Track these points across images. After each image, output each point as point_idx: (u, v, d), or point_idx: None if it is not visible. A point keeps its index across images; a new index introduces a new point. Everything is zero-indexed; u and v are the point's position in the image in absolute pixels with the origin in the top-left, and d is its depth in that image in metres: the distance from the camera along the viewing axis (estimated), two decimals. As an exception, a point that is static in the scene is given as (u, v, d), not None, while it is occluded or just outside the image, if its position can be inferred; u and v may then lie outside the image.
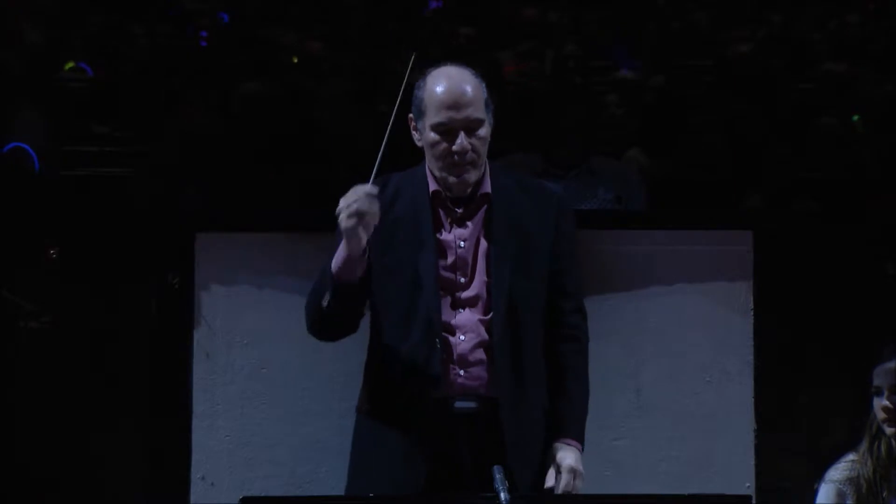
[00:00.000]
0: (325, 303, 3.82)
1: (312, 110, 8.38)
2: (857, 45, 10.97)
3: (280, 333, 4.42)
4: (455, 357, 3.87)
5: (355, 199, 3.68)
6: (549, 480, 3.83)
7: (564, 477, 3.80)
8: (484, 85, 3.94)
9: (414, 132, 3.97)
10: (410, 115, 3.97)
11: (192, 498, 4.41)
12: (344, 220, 3.70)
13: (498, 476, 3.34)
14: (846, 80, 9.67)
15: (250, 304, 4.45)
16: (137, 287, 5.17)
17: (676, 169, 7.90)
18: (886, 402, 4.14)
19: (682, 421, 4.49)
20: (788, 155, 8.41)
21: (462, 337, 3.88)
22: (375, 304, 3.97)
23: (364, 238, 3.72)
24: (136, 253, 5.27)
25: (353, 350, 4.29)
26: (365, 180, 3.79)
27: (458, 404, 3.86)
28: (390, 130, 3.81)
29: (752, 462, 4.50)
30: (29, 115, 8.14)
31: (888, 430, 4.15)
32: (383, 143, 3.79)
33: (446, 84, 3.90)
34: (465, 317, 3.89)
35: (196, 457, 4.44)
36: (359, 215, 3.68)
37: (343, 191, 3.77)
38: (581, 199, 5.75)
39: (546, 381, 3.96)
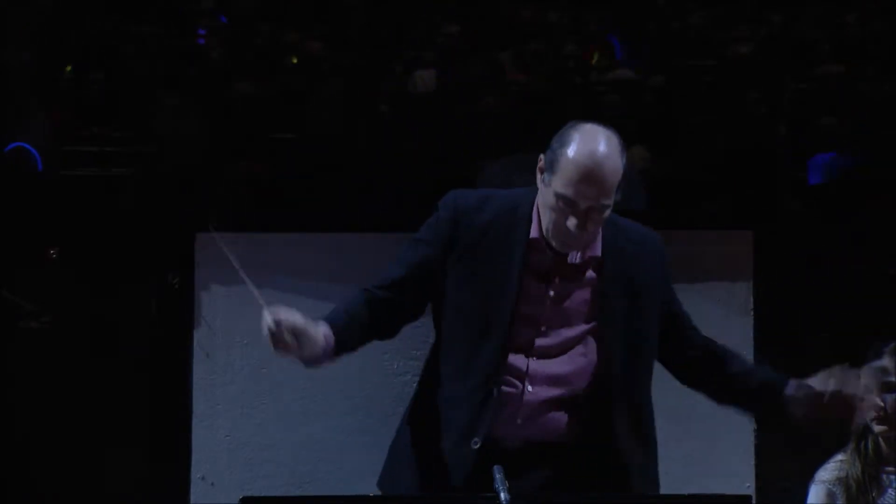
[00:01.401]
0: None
1: (311, 110, 8.38)
2: (856, 45, 10.97)
3: (280, 333, 4.42)
4: (521, 405, 3.73)
5: (268, 336, 3.53)
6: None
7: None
8: (625, 159, 3.67)
9: (539, 173, 3.72)
10: (541, 156, 3.72)
11: (192, 498, 4.42)
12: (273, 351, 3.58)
13: (498, 476, 3.33)
14: (846, 80, 9.68)
15: (250, 304, 4.45)
16: (137, 287, 5.17)
17: (676, 169, 7.91)
18: (876, 401, 4.13)
19: (682, 421, 4.49)
20: (788, 155, 8.42)
21: (531, 387, 3.74)
22: (445, 332, 3.81)
23: (305, 351, 3.57)
24: (136, 253, 5.27)
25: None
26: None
27: (509, 443, 3.73)
28: None
29: (752, 462, 4.50)
30: (31, 115, 8.14)
31: (876, 429, 4.15)
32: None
33: (586, 160, 3.61)
34: (538, 365, 3.74)
35: (196, 457, 4.44)
36: (275, 345, 3.55)
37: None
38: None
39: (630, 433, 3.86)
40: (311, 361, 3.63)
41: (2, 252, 5.60)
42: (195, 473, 4.44)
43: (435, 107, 8.96)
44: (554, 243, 3.70)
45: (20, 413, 5.41)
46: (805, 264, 5.42)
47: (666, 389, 4.49)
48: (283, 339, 3.52)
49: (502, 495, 3.27)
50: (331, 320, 3.68)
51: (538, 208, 3.75)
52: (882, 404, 4.13)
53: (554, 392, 3.75)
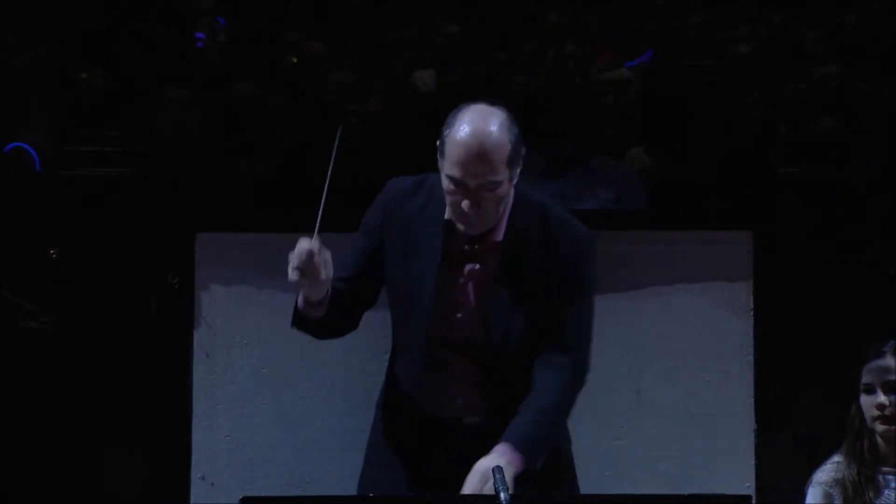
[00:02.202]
0: (292, 326, 3.79)
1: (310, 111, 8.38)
2: (856, 45, 10.97)
3: (280, 333, 4.42)
4: (452, 386, 3.81)
5: (297, 257, 3.56)
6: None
7: (473, 479, 3.56)
8: (513, 135, 3.67)
9: (440, 159, 3.74)
10: (438, 142, 3.75)
11: (192, 498, 4.42)
12: (289, 275, 3.59)
13: (498, 476, 3.34)
14: (846, 81, 9.68)
15: (250, 304, 4.45)
16: (137, 287, 5.17)
17: (676, 169, 7.91)
18: (882, 400, 4.13)
19: (682, 421, 4.50)
20: (788, 155, 8.42)
21: (458, 370, 3.80)
22: (391, 313, 3.90)
23: (314, 289, 3.62)
24: (136, 253, 5.27)
25: (353, 350, 4.30)
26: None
27: (467, 419, 3.80)
28: (328, 185, 3.66)
29: (752, 462, 4.50)
30: (29, 115, 8.14)
31: (879, 428, 4.14)
32: (323, 196, 3.66)
33: (468, 138, 3.63)
34: (461, 351, 3.80)
35: (196, 457, 4.44)
36: (300, 272, 3.57)
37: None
38: (581, 199, 5.75)
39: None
40: (315, 296, 3.65)
41: (2, 252, 5.60)
42: (195, 473, 4.44)
43: (435, 107, 8.95)
44: (458, 226, 3.74)
45: (20, 413, 5.41)
46: (805, 264, 5.42)
47: (665, 389, 4.50)
48: (315, 262, 3.54)
49: (502, 495, 3.27)
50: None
51: None
52: (887, 403, 4.12)
53: (480, 374, 3.79)
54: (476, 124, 3.65)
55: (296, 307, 3.74)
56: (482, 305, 3.78)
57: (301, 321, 3.75)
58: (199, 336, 4.45)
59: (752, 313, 4.54)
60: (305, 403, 4.45)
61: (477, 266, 3.79)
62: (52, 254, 5.57)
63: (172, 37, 11.02)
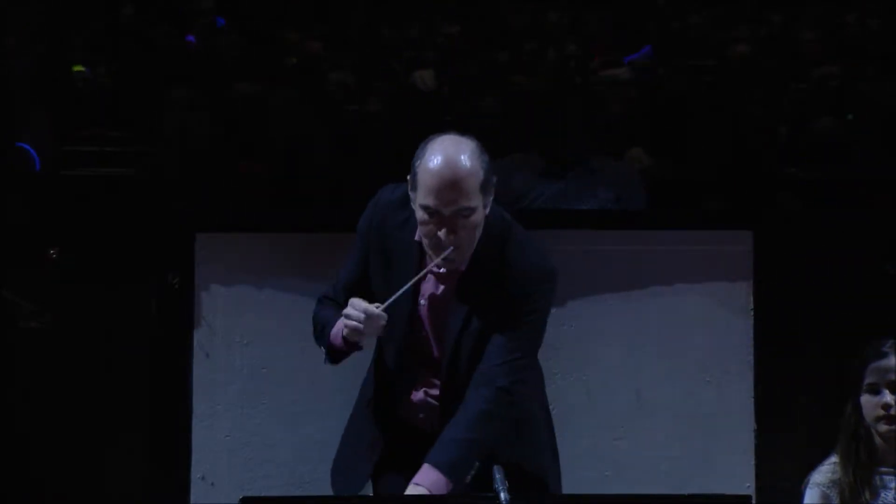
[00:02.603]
0: (323, 351, 3.92)
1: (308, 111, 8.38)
2: (856, 45, 10.97)
3: (280, 333, 4.43)
4: (415, 398, 3.93)
5: (359, 320, 3.67)
6: None
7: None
8: (484, 163, 3.71)
9: (411, 193, 3.79)
10: (409, 176, 3.80)
11: (192, 498, 4.42)
12: (346, 328, 3.71)
13: (498, 476, 3.34)
14: (845, 81, 9.68)
15: (250, 304, 4.46)
16: (137, 287, 5.16)
17: (676, 169, 7.90)
18: (888, 399, 4.12)
19: (682, 421, 4.50)
20: (788, 155, 8.42)
21: (420, 383, 3.91)
22: None
23: (362, 344, 3.77)
24: (136, 253, 5.27)
25: (353, 350, 4.29)
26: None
27: (425, 427, 3.92)
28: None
29: (752, 462, 4.50)
30: (31, 115, 8.14)
31: (882, 429, 4.14)
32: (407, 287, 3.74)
33: (440, 167, 3.67)
34: (422, 365, 3.90)
35: (196, 457, 4.44)
36: (358, 332, 3.69)
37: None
38: (581, 199, 5.75)
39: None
40: (352, 342, 3.79)
41: (2, 252, 5.60)
42: (195, 473, 4.44)
43: (435, 107, 8.96)
44: (432, 256, 3.76)
45: (20, 413, 5.41)
46: (805, 264, 5.41)
47: (665, 389, 4.50)
48: (370, 331, 3.70)
49: (502, 495, 3.28)
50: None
51: None
52: (892, 403, 4.12)
53: (438, 390, 3.89)
54: (448, 153, 3.70)
55: (330, 346, 3.85)
56: (435, 327, 3.86)
57: (334, 353, 3.88)
58: (199, 336, 4.45)
59: (752, 313, 4.54)
60: (305, 403, 4.46)
61: (439, 288, 3.86)
62: (52, 254, 5.57)
63: (173, 37, 11.02)
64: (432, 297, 3.85)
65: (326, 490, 4.32)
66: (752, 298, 4.54)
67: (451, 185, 3.65)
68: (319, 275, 4.43)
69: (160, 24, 11.20)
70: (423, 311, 3.87)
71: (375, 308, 3.68)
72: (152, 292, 4.89)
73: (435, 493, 3.60)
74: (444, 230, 3.67)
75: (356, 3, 12.17)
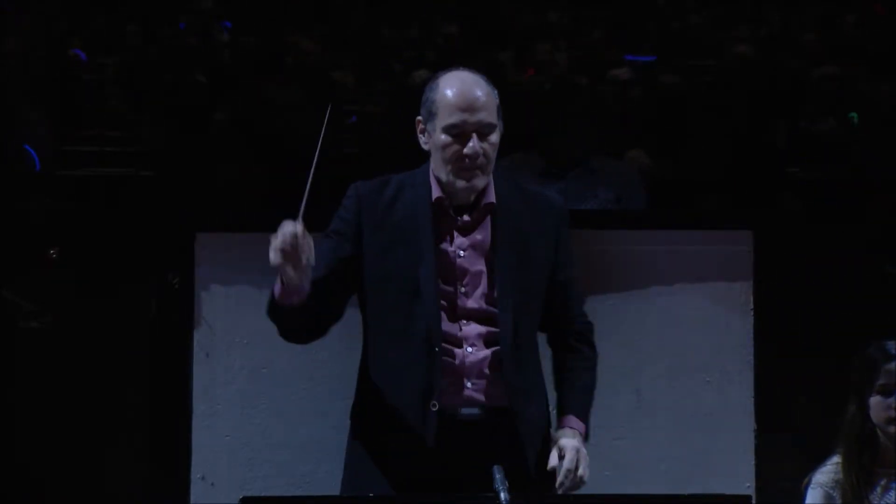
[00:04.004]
0: (266, 313, 3.79)
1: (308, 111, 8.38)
2: (856, 45, 10.97)
3: (280, 333, 4.42)
4: (463, 369, 3.80)
5: (281, 238, 3.58)
6: (553, 461, 3.76)
7: (569, 454, 3.72)
8: (496, 92, 3.89)
9: (421, 135, 3.89)
10: (419, 118, 3.89)
11: (192, 498, 4.42)
12: (271, 256, 3.60)
13: (498, 476, 3.34)
14: (845, 81, 9.68)
15: (250, 304, 4.45)
16: (137, 287, 5.17)
17: (677, 169, 7.91)
18: None
19: (682, 421, 4.49)
20: (788, 155, 8.42)
21: (469, 349, 3.81)
22: (371, 311, 3.90)
23: (295, 272, 3.62)
24: (136, 253, 5.27)
25: (353, 350, 4.28)
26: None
27: (465, 411, 3.81)
28: (314, 171, 3.69)
29: (752, 462, 4.50)
30: (30, 115, 8.14)
31: (891, 430, 4.13)
32: (308, 181, 3.68)
33: (460, 87, 3.85)
34: (470, 328, 3.83)
35: (196, 457, 4.44)
36: (283, 253, 3.58)
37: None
38: (581, 199, 5.75)
39: (543, 392, 3.95)
40: (293, 285, 3.66)
41: (2, 252, 5.60)
42: (195, 473, 4.44)
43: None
44: (458, 185, 3.81)
45: (20, 413, 5.41)
46: (805, 264, 5.42)
47: (665, 389, 4.50)
48: (301, 247, 3.57)
49: (502, 495, 3.27)
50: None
51: (433, 173, 3.88)
52: None
53: (490, 352, 3.82)
54: (464, 78, 3.89)
55: (272, 295, 3.74)
56: (485, 270, 3.84)
57: (275, 309, 3.76)
58: (199, 336, 4.45)
59: (752, 313, 4.54)
60: (305, 403, 4.45)
61: (470, 237, 3.86)
62: (52, 254, 5.57)
63: (174, 36, 11.03)
64: (469, 245, 3.85)
65: (326, 490, 4.32)
66: (752, 298, 4.53)
67: (474, 100, 3.81)
68: (319, 275, 4.43)
69: (161, 23, 11.21)
70: (468, 259, 3.84)
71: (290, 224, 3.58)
72: (152, 292, 4.88)
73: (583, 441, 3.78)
74: (469, 145, 3.77)
75: (356, 3, 12.17)
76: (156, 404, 4.88)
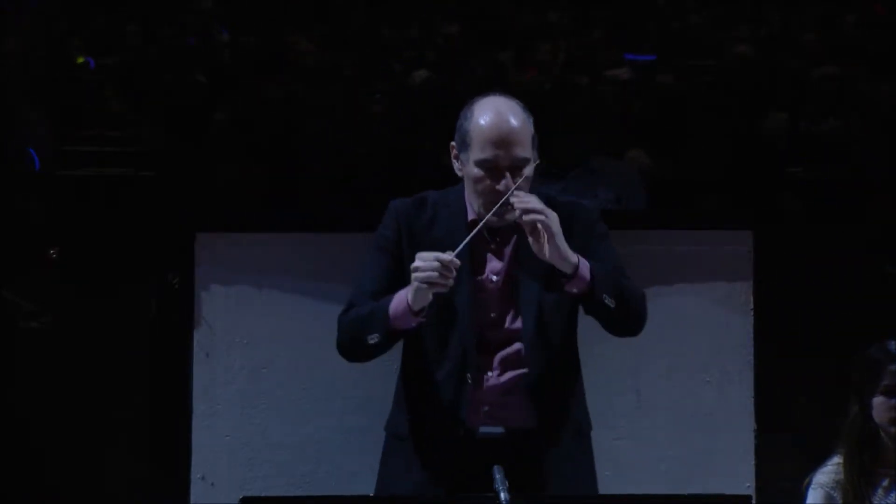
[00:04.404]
0: (372, 340, 3.76)
1: (308, 112, 8.39)
2: (856, 45, 10.97)
3: (280, 333, 4.42)
4: (484, 392, 3.81)
5: (433, 268, 3.59)
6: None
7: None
8: (531, 119, 3.83)
9: (455, 161, 3.85)
10: (452, 144, 3.85)
11: (192, 498, 4.41)
12: (417, 280, 3.63)
13: (498, 476, 3.33)
14: (846, 81, 9.68)
15: (250, 304, 4.45)
16: (137, 287, 5.17)
17: (676, 169, 7.91)
18: None
19: (682, 421, 4.49)
20: (788, 155, 8.42)
21: (490, 373, 3.82)
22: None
23: (430, 299, 3.66)
24: (136, 253, 5.27)
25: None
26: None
27: (484, 429, 3.81)
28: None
29: (752, 462, 4.49)
30: (30, 115, 8.14)
31: (893, 430, 4.13)
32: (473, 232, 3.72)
33: (494, 120, 3.76)
34: (496, 354, 3.82)
35: (196, 457, 4.44)
36: (429, 283, 3.61)
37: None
38: (581, 200, 5.74)
39: (578, 411, 3.93)
40: (421, 304, 3.68)
41: (2, 252, 5.61)
42: (195, 473, 4.44)
43: (435, 107, 8.96)
44: (490, 219, 3.77)
45: (20, 413, 5.41)
46: (805, 264, 5.42)
47: (665, 389, 4.50)
48: (443, 280, 3.61)
49: (502, 495, 3.27)
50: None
51: (467, 197, 3.86)
52: None
53: (511, 374, 3.82)
54: (499, 108, 3.79)
55: (390, 325, 3.72)
56: (515, 293, 3.82)
57: (389, 333, 3.74)
58: (199, 336, 4.45)
59: (752, 313, 4.54)
60: (305, 403, 4.45)
61: (503, 260, 3.85)
62: (52, 254, 5.57)
63: (173, 36, 11.03)
64: (497, 269, 3.83)
65: (326, 490, 4.33)
66: (752, 298, 4.53)
67: (508, 136, 3.74)
68: (320, 275, 4.43)
69: (161, 23, 11.20)
70: (497, 285, 3.83)
71: (447, 255, 3.62)
72: (152, 292, 4.89)
73: (581, 272, 3.67)
74: (501, 182, 3.72)
75: (356, 3, 12.16)
76: (156, 404, 4.88)
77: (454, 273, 3.62)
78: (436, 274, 3.61)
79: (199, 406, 4.44)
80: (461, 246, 3.67)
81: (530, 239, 3.68)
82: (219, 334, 4.46)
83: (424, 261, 3.63)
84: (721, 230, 4.58)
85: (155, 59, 10.30)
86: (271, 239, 4.46)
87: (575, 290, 3.73)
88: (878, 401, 4.16)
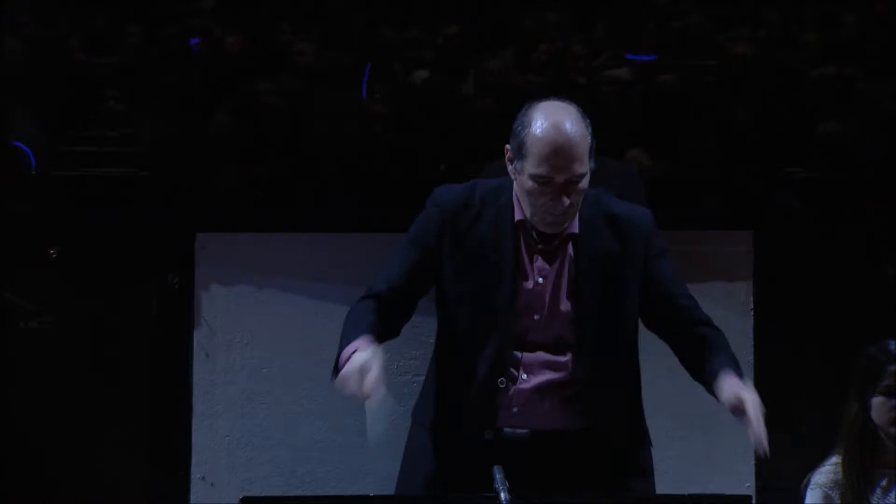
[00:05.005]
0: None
1: (308, 112, 8.39)
2: (855, 45, 10.97)
3: (280, 333, 4.42)
4: (513, 394, 3.76)
5: (355, 381, 3.50)
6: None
7: (751, 410, 3.59)
8: (589, 126, 3.70)
9: (508, 164, 3.74)
10: (507, 147, 3.74)
11: (192, 498, 4.42)
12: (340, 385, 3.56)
13: (498, 476, 3.33)
14: (845, 81, 9.67)
15: (250, 304, 4.45)
16: (137, 287, 5.17)
17: (676, 169, 7.90)
18: None
19: (682, 421, 4.49)
20: (788, 155, 8.42)
21: (525, 376, 3.77)
22: (444, 327, 3.84)
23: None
24: (136, 253, 5.27)
25: (353, 350, 4.28)
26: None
27: (508, 430, 3.76)
28: None
29: (752, 462, 4.49)
30: (29, 114, 8.14)
31: (893, 431, 4.13)
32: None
33: (553, 134, 3.63)
34: (533, 356, 3.77)
35: (196, 457, 4.44)
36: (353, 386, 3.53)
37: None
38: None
39: (625, 417, 3.89)
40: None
41: (2, 252, 5.60)
42: (195, 473, 4.44)
43: (434, 107, 8.96)
44: (540, 227, 3.72)
45: (20, 413, 5.41)
46: (805, 264, 5.41)
47: (665, 389, 4.50)
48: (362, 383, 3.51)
49: (502, 495, 3.27)
50: (366, 334, 3.65)
51: (517, 196, 3.76)
52: None
53: (545, 378, 3.77)
54: (557, 118, 3.66)
55: (337, 360, 3.65)
56: (561, 299, 3.76)
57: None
58: (199, 336, 4.45)
59: (752, 313, 4.54)
60: (305, 403, 4.45)
61: (551, 265, 3.77)
62: (52, 254, 5.56)
63: (174, 36, 11.01)
64: (548, 272, 3.75)
65: (326, 490, 4.33)
66: (752, 298, 4.53)
67: (566, 151, 3.61)
68: (320, 275, 4.43)
69: (161, 22, 11.19)
70: (541, 290, 3.75)
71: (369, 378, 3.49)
72: (152, 292, 4.89)
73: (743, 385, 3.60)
74: (556, 198, 3.63)
75: (356, 3, 12.16)
76: (156, 404, 4.88)
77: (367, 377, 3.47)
78: (354, 387, 3.50)
79: (199, 406, 4.45)
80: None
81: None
82: (219, 334, 4.46)
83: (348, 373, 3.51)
84: (721, 230, 4.58)
85: (155, 58, 10.29)
86: (271, 239, 4.46)
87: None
88: (877, 401, 4.16)
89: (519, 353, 3.76)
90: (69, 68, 9.95)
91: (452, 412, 3.82)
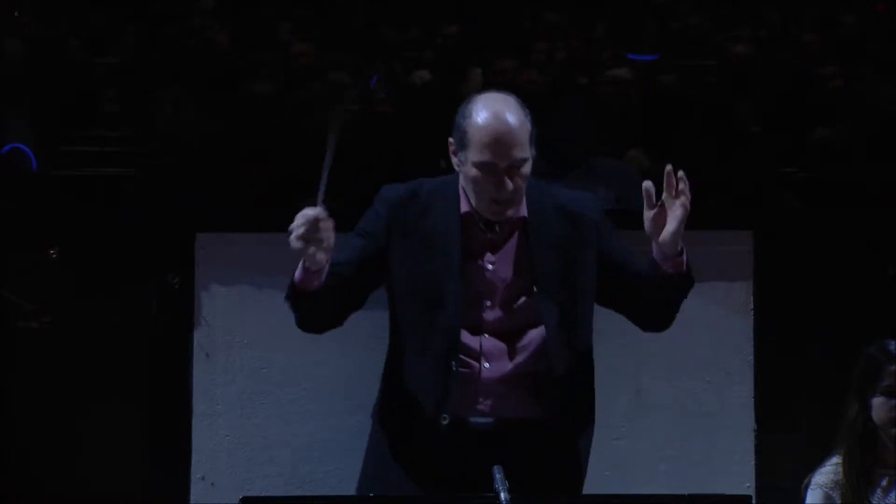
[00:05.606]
0: (287, 302, 3.77)
1: (307, 111, 8.39)
2: (855, 45, 10.97)
3: (280, 333, 4.42)
4: (479, 383, 3.80)
5: (301, 224, 3.55)
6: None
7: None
8: (529, 116, 3.81)
9: (453, 156, 3.84)
10: (451, 140, 3.84)
11: (192, 498, 4.42)
12: (292, 242, 3.58)
13: (498, 476, 3.33)
14: (845, 81, 9.68)
15: (250, 304, 4.45)
16: (137, 287, 5.17)
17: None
18: None
19: (682, 421, 4.50)
20: (788, 155, 8.42)
21: (487, 364, 3.81)
22: (397, 316, 3.89)
23: (318, 255, 3.59)
24: (136, 253, 5.27)
25: (353, 350, 4.30)
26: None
27: (473, 420, 3.80)
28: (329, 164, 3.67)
29: (752, 462, 4.50)
30: (29, 115, 8.14)
31: (893, 432, 4.13)
32: (326, 164, 3.66)
33: (492, 121, 3.74)
34: (491, 343, 3.81)
35: (196, 457, 4.44)
36: (304, 239, 3.56)
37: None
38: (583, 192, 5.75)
39: (589, 403, 3.92)
40: (315, 266, 3.63)
41: (2, 252, 5.60)
42: (195, 473, 4.44)
43: (434, 107, 8.96)
44: (487, 215, 3.79)
45: (20, 413, 5.41)
46: (805, 264, 5.41)
47: (665, 389, 4.50)
48: (315, 233, 3.55)
49: (502, 495, 3.27)
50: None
51: (462, 189, 3.84)
52: None
53: (509, 367, 3.81)
54: (496, 108, 3.77)
55: (291, 281, 3.71)
56: (513, 284, 3.81)
57: (296, 294, 3.72)
58: (199, 336, 4.45)
59: (752, 313, 4.54)
60: (305, 403, 4.45)
61: (500, 251, 3.84)
62: (52, 254, 5.56)
63: (174, 36, 11.02)
64: (496, 260, 3.82)
65: (326, 490, 4.33)
66: (752, 298, 4.53)
67: (507, 138, 3.72)
68: (319, 275, 4.43)
69: (161, 22, 11.20)
70: (491, 277, 3.81)
71: (311, 210, 3.55)
72: (152, 292, 4.89)
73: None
74: (500, 183, 3.72)
75: (356, 3, 12.17)
76: (156, 404, 4.88)
77: (321, 226, 3.53)
78: (302, 229, 3.54)
79: (199, 406, 4.45)
80: (321, 185, 3.60)
81: (651, 222, 3.77)
82: (219, 334, 4.46)
83: (294, 223, 3.57)
84: (721, 230, 4.58)
85: (155, 58, 10.29)
86: (271, 239, 4.46)
87: (671, 270, 3.77)
88: (877, 401, 4.16)
89: (477, 341, 3.80)
90: (69, 68, 9.96)
91: (404, 402, 3.85)
